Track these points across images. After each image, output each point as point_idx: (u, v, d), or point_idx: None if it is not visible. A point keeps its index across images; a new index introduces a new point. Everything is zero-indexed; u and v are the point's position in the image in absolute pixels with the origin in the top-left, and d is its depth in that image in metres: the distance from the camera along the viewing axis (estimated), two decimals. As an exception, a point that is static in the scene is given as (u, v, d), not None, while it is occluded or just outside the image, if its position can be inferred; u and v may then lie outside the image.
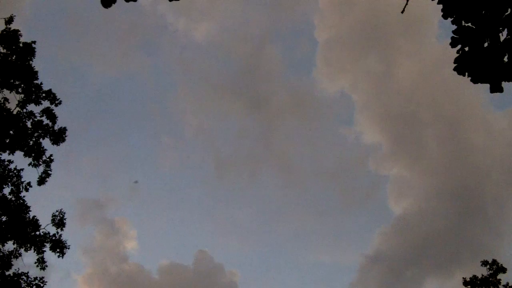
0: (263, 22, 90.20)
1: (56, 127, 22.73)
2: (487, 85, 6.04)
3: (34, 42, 22.83)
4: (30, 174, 22.49)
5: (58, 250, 21.96)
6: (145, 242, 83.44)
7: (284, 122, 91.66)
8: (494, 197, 62.62)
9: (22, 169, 21.88)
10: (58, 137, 22.70)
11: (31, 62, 22.67)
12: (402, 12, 7.50)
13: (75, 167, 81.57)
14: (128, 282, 62.49)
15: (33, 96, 22.57)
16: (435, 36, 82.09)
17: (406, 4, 7.36)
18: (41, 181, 22.55)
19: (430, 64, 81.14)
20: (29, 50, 22.61)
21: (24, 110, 22.39)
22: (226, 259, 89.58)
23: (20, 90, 22.47)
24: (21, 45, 22.58)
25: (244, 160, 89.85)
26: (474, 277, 28.43)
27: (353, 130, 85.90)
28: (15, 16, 23.06)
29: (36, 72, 22.70)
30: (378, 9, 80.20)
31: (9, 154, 21.72)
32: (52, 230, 22.19)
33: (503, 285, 28.28)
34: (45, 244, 21.77)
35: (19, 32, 22.77)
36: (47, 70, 78.51)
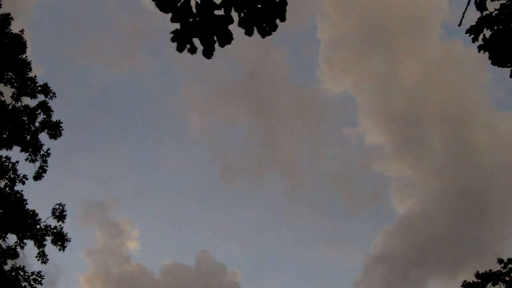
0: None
1: (52, 121, 22.96)
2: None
3: (22, 31, 22.70)
4: (26, 171, 22.81)
5: (59, 243, 22.33)
6: (147, 243, 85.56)
7: (288, 124, 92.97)
8: (498, 198, 63.59)
9: (17, 162, 22.23)
10: (55, 130, 22.95)
11: (24, 55, 22.65)
12: (459, 25, 8.43)
13: (78, 168, 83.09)
14: (130, 282, 63.52)
15: (29, 90, 22.86)
16: (438, 36, 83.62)
17: (462, 17, 8.16)
18: (38, 176, 22.84)
19: (434, 64, 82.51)
20: (18, 41, 22.49)
21: (19, 104, 22.66)
22: (228, 259, 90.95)
23: (13, 81, 22.63)
24: (10, 35, 22.37)
25: (248, 162, 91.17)
26: (489, 270, 29.25)
27: (357, 131, 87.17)
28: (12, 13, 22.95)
29: (29, 63, 22.74)
30: (381, 10, 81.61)
31: (6, 149, 22.09)
32: (52, 224, 22.56)
33: None
34: (45, 238, 22.15)
35: (10, 16, 22.56)
36: (50, 70, 79.67)
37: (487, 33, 8.06)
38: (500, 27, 8.02)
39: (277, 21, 4.73)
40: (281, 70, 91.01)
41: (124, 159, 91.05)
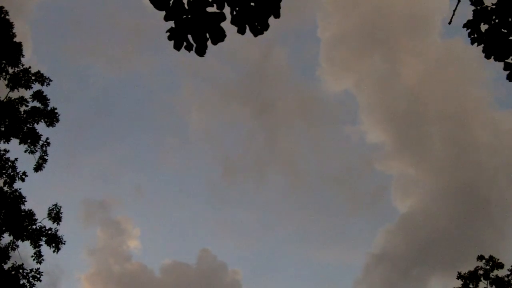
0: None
1: (47, 109, 23.01)
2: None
3: (6, 12, 22.42)
4: (26, 166, 22.92)
5: (53, 245, 22.37)
6: (148, 241, 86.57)
7: (289, 123, 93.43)
8: (500, 196, 63.66)
9: (16, 159, 22.32)
10: (52, 118, 23.00)
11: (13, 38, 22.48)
12: (449, 23, 8.45)
13: (79, 167, 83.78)
14: (131, 281, 63.80)
15: (22, 81, 22.83)
16: (439, 35, 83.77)
17: (453, 15, 8.20)
18: (38, 167, 22.95)
19: (435, 63, 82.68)
20: (6, 23, 22.32)
21: (14, 94, 22.67)
22: (229, 258, 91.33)
23: (6, 69, 22.58)
24: None
25: (249, 161, 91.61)
26: (469, 272, 30.15)
27: (358, 130, 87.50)
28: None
29: (20, 45, 22.58)
30: (381, 8, 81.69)
31: (4, 142, 22.14)
32: (48, 225, 22.64)
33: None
34: (41, 238, 22.19)
35: (4, 8, 22.53)
36: (51, 69, 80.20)
37: (484, 27, 8.09)
38: (497, 20, 8.03)
39: (274, 19, 4.69)
40: (282, 69, 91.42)
41: (125, 158, 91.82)
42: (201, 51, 4.64)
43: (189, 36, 4.66)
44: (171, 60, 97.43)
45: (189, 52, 4.67)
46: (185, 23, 4.63)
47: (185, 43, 4.66)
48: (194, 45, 4.64)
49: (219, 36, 4.60)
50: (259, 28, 4.66)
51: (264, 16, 4.63)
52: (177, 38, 4.65)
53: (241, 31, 4.67)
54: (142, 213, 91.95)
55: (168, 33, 4.63)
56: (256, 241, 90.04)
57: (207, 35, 4.61)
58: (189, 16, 4.56)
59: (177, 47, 4.67)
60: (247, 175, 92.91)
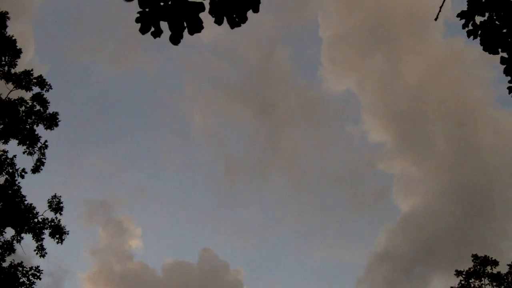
0: (271, 23, 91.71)
1: (48, 112, 23.19)
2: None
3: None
4: (25, 165, 23.01)
5: (57, 236, 22.51)
6: (150, 241, 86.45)
7: (291, 123, 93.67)
8: (502, 195, 63.61)
9: (15, 156, 22.42)
10: (51, 122, 23.16)
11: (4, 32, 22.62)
12: (436, 19, 8.39)
13: (81, 167, 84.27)
14: (133, 280, 64.02)
15: (23, 83, 22.97)
16: (441, 34, 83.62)
17: (439, 12, 8.14)
18: (36, 169, 23.12)
19: (436, 62, 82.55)
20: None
21: (15, 98, 22.75)
22: (231, 257, 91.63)
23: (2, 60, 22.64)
24: None
25: (251, 161, 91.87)
26: (469, 269, 30.91)
27: (360, 129, 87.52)
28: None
29: (14, 41, 22.64)
30: (383, 7, 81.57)
31: (3, 143, 22.26)
32: (50, 218, 22.73)
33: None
34: (43, 231, 22.29)
35: (7, 15, 22.75)
36: (53, 69, 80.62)
37: (478, 19, 7.99)
38: (493, 13, 7.93)
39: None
40: (284, 69, 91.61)
41: (127, 157, 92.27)
42: (175, 40, 4.60)
43: (161, 23, 4.59)
44: (173, 60, 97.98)
45: (155, 38, 4.60)
46: (161, 9, 4.57)
47: (153, 29, 4.59)
48: (164, 32, 4.58)
49: (196, 27, 4.57)
50: (237, 21, 4.62)
51: (243, 8, 4.60)
52: (146, 21, 4.56)
53: (218, 21, 4.64)
54: (144, 212, 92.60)
55: (138, 15, 4.54)
56: (258, 241, 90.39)
57: (185, 24, 4.55)
58: (169, 3, 4.50)
59: (143, 31, 4.59)
60: (249, 174, 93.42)
